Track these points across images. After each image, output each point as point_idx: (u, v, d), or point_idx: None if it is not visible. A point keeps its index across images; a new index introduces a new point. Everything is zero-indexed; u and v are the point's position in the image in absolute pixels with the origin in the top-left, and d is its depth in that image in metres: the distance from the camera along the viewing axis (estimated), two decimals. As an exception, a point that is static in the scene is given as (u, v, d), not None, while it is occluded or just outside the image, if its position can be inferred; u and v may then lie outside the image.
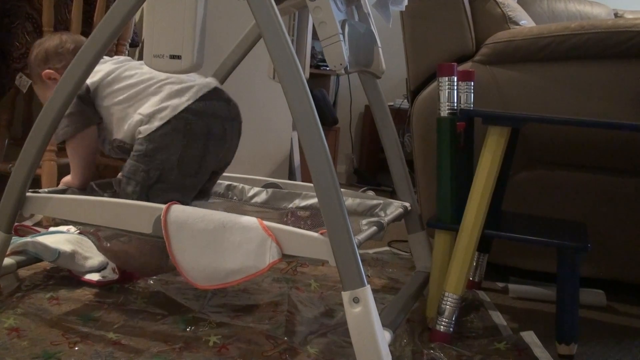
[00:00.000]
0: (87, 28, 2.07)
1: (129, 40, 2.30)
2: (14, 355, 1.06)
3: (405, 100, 3.47)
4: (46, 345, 1.11)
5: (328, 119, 3.50)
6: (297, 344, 1.21)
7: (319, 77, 3.58)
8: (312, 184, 1.57)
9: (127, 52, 2.28)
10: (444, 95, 1.37)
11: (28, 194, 1.25)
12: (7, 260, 1.35)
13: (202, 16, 1.11)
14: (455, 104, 1.38)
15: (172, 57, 1.11)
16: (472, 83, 1.46)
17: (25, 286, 1.39)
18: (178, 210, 1.14)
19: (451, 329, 1.27)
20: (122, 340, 1.16)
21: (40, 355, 1.06)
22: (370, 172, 3.78)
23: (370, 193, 1.66)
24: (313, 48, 3.20)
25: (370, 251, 1.98)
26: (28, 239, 1.44)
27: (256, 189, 1.68)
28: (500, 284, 1.72)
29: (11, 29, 1.97)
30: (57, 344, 1.11)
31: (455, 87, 1.38)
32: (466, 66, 1.69)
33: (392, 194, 1.69)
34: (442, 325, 1.27)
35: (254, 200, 1.67)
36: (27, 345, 1.10)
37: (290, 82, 1.04)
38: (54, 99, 1.21)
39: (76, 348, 1.11)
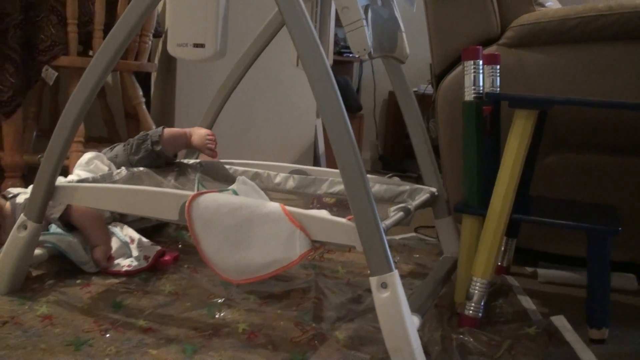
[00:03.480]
0: (110, 19, 2.09)
1: (152, 31, 2.31)
2: (47, 342, 1.07)
3: (429, 86, 3.44)
4: (78, 332, 1.13)
5: (352, 105, 3.48)
6: (325, 330, 1.21)
7: (342, 63, 3.56)
8: (337, 170, 1.58)
9: (150, 43, 2.29)
10: (469, 79, 1.36)
11: (57, 183, 1.27)
12: (38, 250, 1.37)
13: (224, 4, 1.11)
14: (481, 88, 1.36)
15: (196, 45, 1.12)
16: (498, 66, 1.44)
17: (56, 274, 1.41)
18: (201, 208, 1.14)
19: (480, 314, 1.27)
20: (152, 327, 1.17)
21: (73, 342, 1.08)
22: (395, 159, 3.76)
23: (396, 179, 1.65)
24: (336, 35, 3.18)
25: (397, 237, 1.98)
26: (59, 235, 1.46)
27: (282, 175, 1.68)
28: (529, 269, 1.71)
29: (36, 22, 1.99)
30: (89, 331, 1.13)
31: (481, 71, 1.36)
32: (491, 49, 1.67)
33: (418, 180, 1.68)
34: (470, 310, 1.27)
35: (280, 187, 1.67)
36: (60, 332, 1.12)
37: (314, 69, 1.04)
38: (81, 88, 1.22)
39: (107, 335, 1.12)
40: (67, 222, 1.49)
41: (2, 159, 2.04)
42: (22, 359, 1.01)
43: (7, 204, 1.51)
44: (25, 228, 1.26)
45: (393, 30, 1.39)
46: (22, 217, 1.27)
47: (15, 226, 1.27)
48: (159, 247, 1.53)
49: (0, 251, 1.31)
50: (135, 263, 1.46)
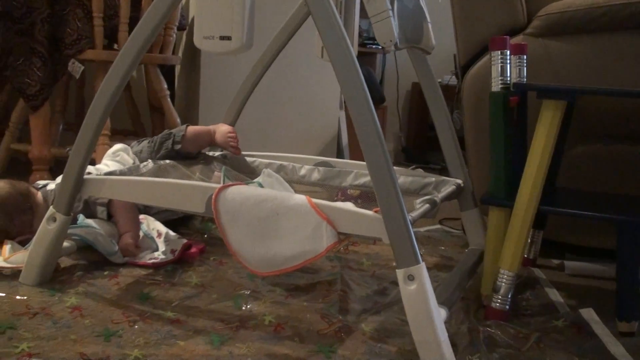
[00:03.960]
0: (135, 13, 2.10)
1: (177, 24, 2.32)
2: (77, 333, 1.09)
3: (453, 77, 3.41)
4: (107, 323, 1.14)
5: (375, 97, 3.47)
6: (351, 322, 1.21)
7: (365, 55, 3.55)
8: (363, 162, 1.58)
9: (175, 36, 2.30)
10: (496, 69, 1.34)
11: (85, 176, 1.28)
12: (66, 243, 1.39)
13: (251, -4, 1.11)
14: (508, 78, 1.35)
15: (222, 38, 1.12)
16: (525, 56, 1.43)
17: (84, 265, 1.42)
18: (228, 200, 1.15)
19: (507, 307, 1.26)
20: (180, 318, 1.18)
21: (102, 333, 1.09)
22: (418, 150, 3.74)
23: (420, 171, 1.64)
24: (359, 26, 3.17)
25: (422, 229, 1.97)
26: (87, 227, 1.47)
27: (307, 168, 1.68)
28: (556, 261, 1.69)
29: (63, 16, 2.01)
30: (118, 322, 1.14)
31: (508, 61, 1.35)
32: (518, 39, 1.65)
33: (441, 172, 1.67)
34: (497, 302, 1.26)
35: (305, 179, 1.67)
36: (89, 323, 1.13)
37: (340, 60, 1.04)
38: (108, 82, 1.23)
39: (136, 326, 1.13)
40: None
41: (30, 152, 2.07)
42: (53, 349, 1.03)
43: (39, 193, 1.54)
44: (55, 220, 1.28)
45: (419, 21, 1.38)
46: (51, 210, 1.28)
47: (44, 219, 1.28)
48: (185, 240, 1.54)
49: (31, 243, 1.34)
50: (162, 256, 1.47)
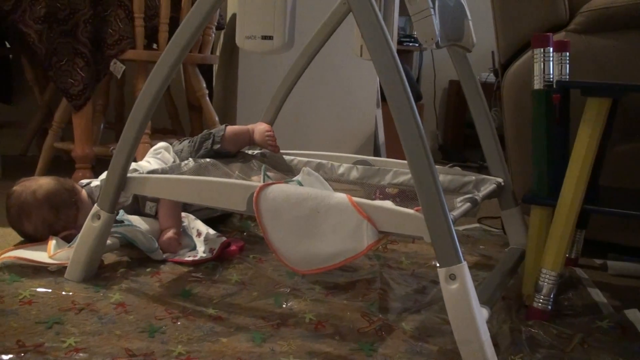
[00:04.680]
0: (175, 13, 2.12)
1: (215, 24, 2.34)
2: (122, 329, 1.11)
3: (491, 74, 3.38)
4: (151, 319, 1.16)
5: (412, 95, 3.45)
6: (392, 321, 1.21)
7: (402, 53, 3.53)
8: (402, 161, 1.57)
9: (213, 35, 2.32)
10: (538, 67, 1.32)
11: (129, 175, 1.30)
12: (109, 240, 1.41)
13: (292, -4, 1.11)
14: (551, 76, 1.33)
15: (264, 37, 1.12)
16: (568, 53, 1.41)
17: (127, 262, 1.45)
18: (269, 199, 1.15)
19: (549, 307, 1.24)
20: (221, 315, 1.20)
21: (147, 329, 1.11)
22: (455, 148, 3.71)
23: (457, 169, 1.63)
24: (396, 24, 3.15)
25: (460, 228, 1.96)
26: (128, 225, 1.50)
27: (346, 166, 1.68)
28: (599, 261, 1.66)
29: (105, 17, 2.04)
30: (161, 319, 1.16)
31: (551, 59, 1.33)
32: (560, 36, 1.63)
33: (479, 170, 1.65)
34: (539, 302, 1.24)
35: (344, 178, 1.68)
36: (134, 319, 1.15)
37: (381, 57, 1.04)
38: (150, 82, 1.25)
39: (179, 323, 1.15)
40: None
41: (73, 151, 2.11)
42: (99, 344, 1.05)
43: (83, 190, 1.58)
44: (99, 218, 1.30)
45: (459, 19, 1.37)
46: (95, 207, 1.31)
47: (89, 216, 1.31)
48: (224, 238, 1.55)
49: (75, 240, 1.36)
50: (202, 255, 1.49)
